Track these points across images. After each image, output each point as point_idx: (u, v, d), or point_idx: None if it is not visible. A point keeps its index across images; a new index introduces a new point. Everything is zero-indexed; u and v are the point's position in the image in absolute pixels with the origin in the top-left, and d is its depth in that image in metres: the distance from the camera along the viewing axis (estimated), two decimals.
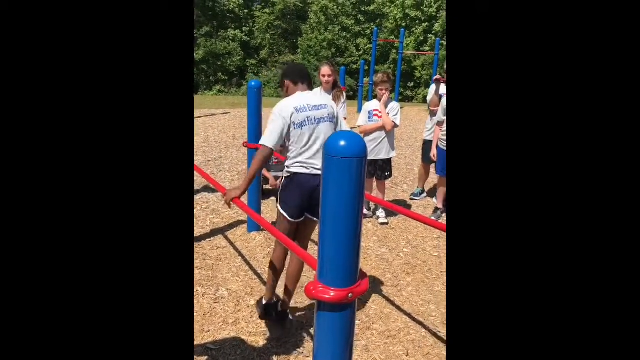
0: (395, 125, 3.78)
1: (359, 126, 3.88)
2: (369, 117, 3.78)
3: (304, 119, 2.01)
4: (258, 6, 25.15)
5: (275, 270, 2.26)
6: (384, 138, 3.77)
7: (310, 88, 2.20)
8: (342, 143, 1.05)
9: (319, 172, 1.93)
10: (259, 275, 2.90)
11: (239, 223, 3.76)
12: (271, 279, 2.29)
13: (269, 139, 2.00)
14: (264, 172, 4.20)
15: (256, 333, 2.29)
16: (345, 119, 3.70)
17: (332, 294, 1.13)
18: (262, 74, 23.18)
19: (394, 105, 3.83)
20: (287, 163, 2.11)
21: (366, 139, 3.77)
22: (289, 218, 2.12)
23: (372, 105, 3.85)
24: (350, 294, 1.13)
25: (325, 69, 3.68)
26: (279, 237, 1.68)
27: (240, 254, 3.21)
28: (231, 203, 2.07)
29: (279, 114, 2.02)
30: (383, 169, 3.85)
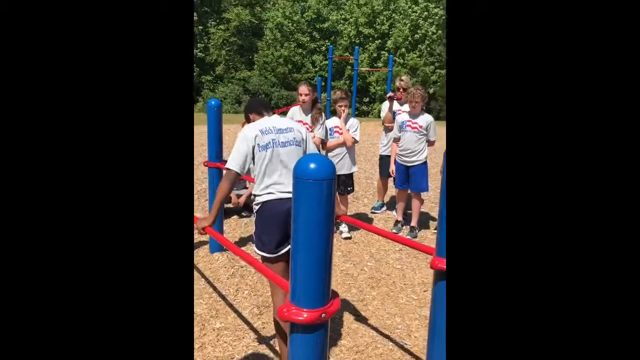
0: (356, 141, 3.86)
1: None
2: (330, 134, 3.85)
3: (268, 141, 1.99)
4: (212, 22, 25.03)
5: (282, 329, 1.96)
6: (345, 154, 3.85)
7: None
8: (312, 166, 1.07)
9: (288, 195, 1.88)
10: (223, 297, 2.84)
11: (200, 244, 3.68)
12: (283, 343, 1.97)
13: (233, 161, 1.98)
14: None
15: (223, 357, 2.24)
16: (322, 139, 3.68)
17: (305, 315, 1.13)
18: (218, 90, 22.96)
19: (354, 121, 3.92)
20: (254, 192, 2.03)
21: (329, 154, 3.83)
22: (268, 255, 1.98)
23: (332, 122, 3.92)
24: (323, 314, 1.14)
25: (303, 88, 3.68)
26: (255, 266, 1.58)
27: (204, 276, 3.14)
28: (203, 231, 2.04)
29: (244, 137, 2.00)
30: (345, 183, 3.91)
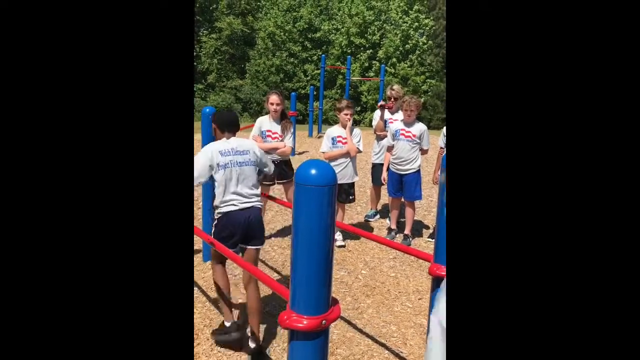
0: (359, 151, 3.88)
1: (323, 152, 3.93)
2: (333, 143, 3.85)
3: (227, 161, 2.31)
4: (204, 31, 25.05)
5: (222, 290, 2.46)
6: (348, 162, 3.86)
7: (235, 135, 2.48)
8: (313, 172, 1.07)
9: (246, 205, 2.31)
10: (217, 306, 2.81)
11: (194, 252, 3.64)
12: (224, 300, 2.46)
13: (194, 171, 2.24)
14: None
15: None
16: (291, 147, 3.77)
17: (305, 322, 1.12)
18: (209, 99, 22.93)
19: (357, 131, 3.94)
20: (215, 203, 2.34)
21: (332, 164, 3.83)
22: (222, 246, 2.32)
23: (335, 131, 3.90)
24: (324, 321, 1.13)
25: (274, 98, 3.72)
26: (252, 271, 1.77)
27: (196, 284, 3.10)
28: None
29: (204, 152, 2.30)
30: (347, 192, 3.93)
